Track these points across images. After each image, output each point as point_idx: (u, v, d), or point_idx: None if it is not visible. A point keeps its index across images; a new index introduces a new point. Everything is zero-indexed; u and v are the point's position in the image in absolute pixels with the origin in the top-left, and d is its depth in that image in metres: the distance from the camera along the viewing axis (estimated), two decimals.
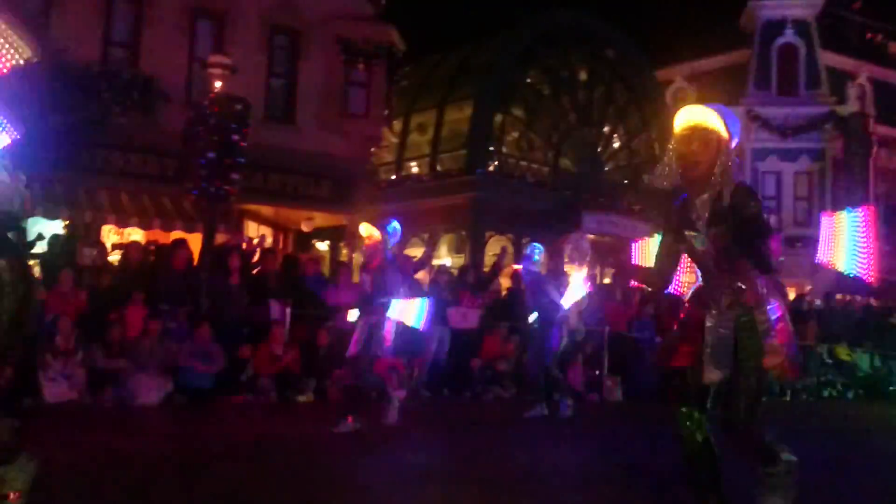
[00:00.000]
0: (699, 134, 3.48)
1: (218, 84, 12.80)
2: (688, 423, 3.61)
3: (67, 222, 13.62)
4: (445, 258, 20.90)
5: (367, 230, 7.28)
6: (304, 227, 16.79)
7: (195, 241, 12.53)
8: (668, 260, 3.82)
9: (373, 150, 19.57)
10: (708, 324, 3.55)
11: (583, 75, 22.82)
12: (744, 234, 3.40)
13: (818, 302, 16.63)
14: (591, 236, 19.99)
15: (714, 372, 3.52)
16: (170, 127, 14.12)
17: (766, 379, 3.60)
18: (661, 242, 3.84)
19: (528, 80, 22.21)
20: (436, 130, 21.69)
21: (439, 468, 5.53)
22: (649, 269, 4.03)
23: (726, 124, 3.51)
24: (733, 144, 3.55)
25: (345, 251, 17.92)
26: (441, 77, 22.30)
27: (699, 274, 3.74)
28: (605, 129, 23.01)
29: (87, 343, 8.81)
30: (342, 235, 17.52)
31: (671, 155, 3.63)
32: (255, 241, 12.59)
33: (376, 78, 17.84)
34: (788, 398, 13.30)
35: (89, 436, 6.64)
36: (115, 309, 9.44)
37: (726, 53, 26.66)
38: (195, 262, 11.18)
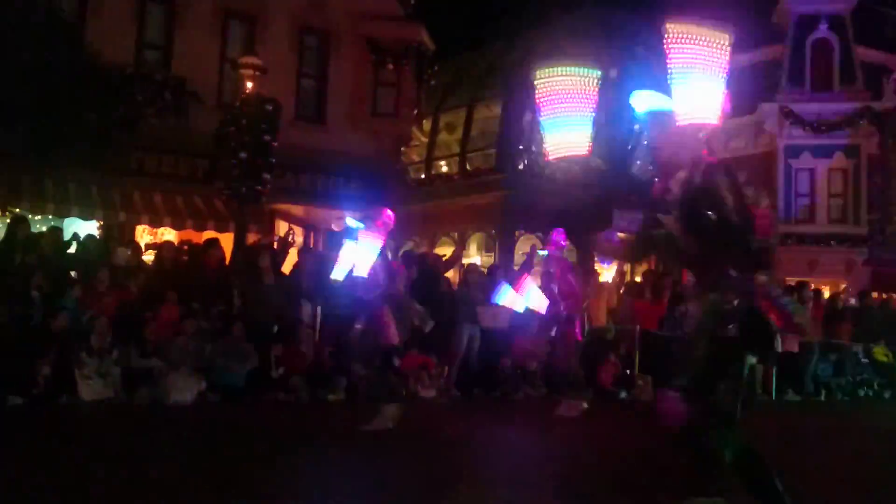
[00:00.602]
0: (653, 119, 3.47)
1: (249, 85, 12.93)
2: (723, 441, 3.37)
3: (102, 223, 13.81)
4: (475, 257, 20.88)
5: (353, 223, 7.25)
6: (335, 227, 16.88)
7: (227, 241, 12.66)
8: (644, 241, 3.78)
9: (402, 149, 19.61)
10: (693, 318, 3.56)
11: (613, 73, 22.67)
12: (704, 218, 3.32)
13: (853, 301, 16.37)
14: (622, 234, 19.91)
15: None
16: (202, 128, 14.28)
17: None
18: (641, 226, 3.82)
19: None
20: (465, 129, 21.66)
21: (469, 468, 5.53)
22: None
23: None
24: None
25: None
26: (470, 76, 22.28)
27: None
28: (636, 126, 22.83)
29: (121, 342, 8.92)
30: None
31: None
32: (291, 239, 12.65)
33: (405, 77, 17.89)
34: (823, 398, 13.13)
35: (124, 433, 6.73)
36: (148, 308, 9.56)
37: (759, 49, 26.30)
38: (227, 262, 11.29)
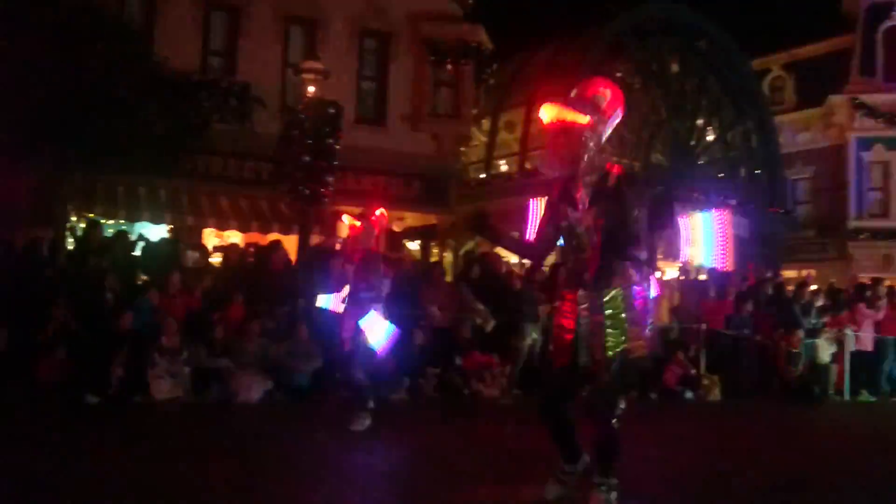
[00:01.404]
0: (563, 128, 3.76)
1: (311, 89, 13.10)
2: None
3: (172, 226, 14.18)
4: None
5: (348, 219, 7.21)
6: (395, 228, 17.02)
7: (291, 243, 12.85)
8: (545, 235, 4.08)
9: (462, 149, 19.64)
10: (581, 305, 3.84)
11: (674, 67, 22.30)
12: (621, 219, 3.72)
13: None
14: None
15: (584, 355, 3.84)
16: (266, 132, 14.56)
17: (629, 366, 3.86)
18: (542, 218, 4.09)
19: (618, 74, 21.84)
20: (525, 128, 21.56)
21: (530, 465, 5.52)
22: (527, 243, 4.39)
23: (585, 112, 3.77)
24: (603, 128, 3.88)
25: (436, 250, 18.08)
26: (529, 74, 22.17)
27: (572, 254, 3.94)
28: (699, 121, 22.42)
29: (191, 342, 9.14)
30: (433, 235, 17.71)
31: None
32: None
33: (464, 77, 17.93)
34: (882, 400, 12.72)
35: (194, 431, 6.91)
36: (217, 309, 9.78)
37: (827, 39, 25.56)
38: (292, 263, 11.47)
